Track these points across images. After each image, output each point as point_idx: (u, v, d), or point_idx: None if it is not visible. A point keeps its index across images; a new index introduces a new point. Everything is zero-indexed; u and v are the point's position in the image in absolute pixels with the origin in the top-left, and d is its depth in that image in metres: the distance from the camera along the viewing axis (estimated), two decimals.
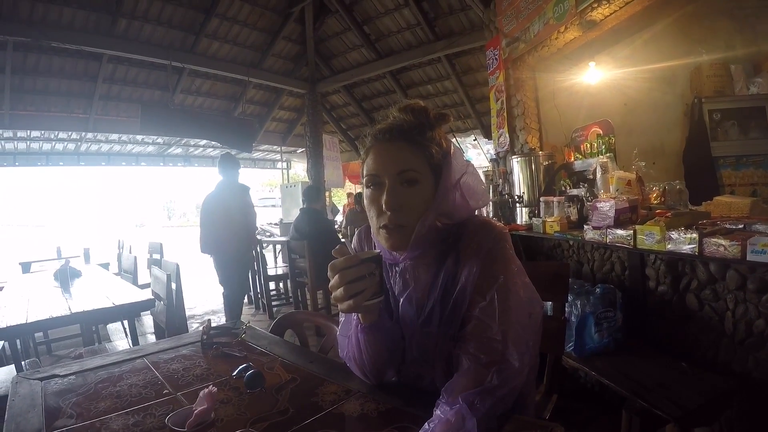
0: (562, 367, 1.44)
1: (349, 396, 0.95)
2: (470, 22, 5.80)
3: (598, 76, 3.91)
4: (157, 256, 4.33)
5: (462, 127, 7.82)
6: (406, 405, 0.87)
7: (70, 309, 2.37)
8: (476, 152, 9.74)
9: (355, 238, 1.07)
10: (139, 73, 6.45)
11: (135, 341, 2.68)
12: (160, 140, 8.84)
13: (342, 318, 1.00)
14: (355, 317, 0.92)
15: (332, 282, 0.80)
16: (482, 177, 4.66)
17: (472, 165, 0.92)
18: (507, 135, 4.17)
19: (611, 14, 2.89)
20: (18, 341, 2.61)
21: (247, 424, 0.85)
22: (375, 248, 0.99)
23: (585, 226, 2.25)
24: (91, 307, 2.44)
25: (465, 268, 0.83)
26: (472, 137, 7.99)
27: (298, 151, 10.44)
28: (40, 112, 6.01)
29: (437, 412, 0.73)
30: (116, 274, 3.86)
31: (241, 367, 1.11)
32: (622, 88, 3.98)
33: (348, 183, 11.63)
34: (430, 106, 0.91)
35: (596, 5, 2.89)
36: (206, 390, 0.75)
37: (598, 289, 2.12)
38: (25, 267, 5.01)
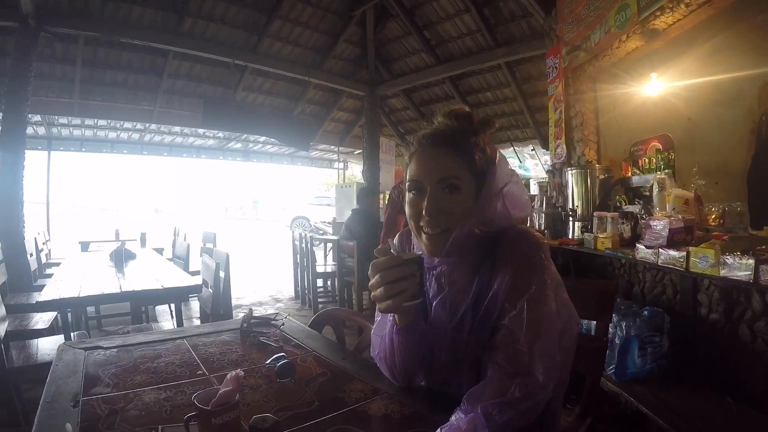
0: (600, 390, 1.37)
1: (375, 395, 0.95)
2: (531, 30, 5.67)
3: (659, 89, 3.70)
4: (210, 245, 4.47)
5: (520, 136, 7.65)
6: (430, 410, 0.86)
7: (120, 287, 2.52)
8: (534, 162, 9.48)
9: (396, 239, 1.07)
10: (202, 69, 6.74)
11: (180, 323, 2.81)
12: (220, 134, 9.18)
13: (378, 317, 1.00)
14: (390, 318, 0.91)
15: (373, 281, 0.80)
16: (537, 188, 4.55)
17: (517, 174, 0.90)
18: (564, 146, 4.04)
19: (674, 23, 2.74)
20: (70, 314, 2.82)
21: (271, 411, 0.87)
22: (415, 251, 0.99)
23: (637, 245, 2.14)
24: (140, 288, 2.58)
25: (499, 276, 0.82)
26: (530, 147, 7.81)
27: (355, 153, 10.57)
28: (108, 103, 6.40)
29: (452, 418, 0.72)
30: (169, 260, 4.05)
31: (274, 356, 1.14)
32: (684, 102, 3.75)
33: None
34: (475, 112, 0.90)
35: (659, 13, 2.75)
36: (233, 373, 0.77)
37: (645, 312, 2.01)
38: (84, 246, 5.38)
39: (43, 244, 5.23)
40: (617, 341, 1.92)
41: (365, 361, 1.16)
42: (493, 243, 0.86)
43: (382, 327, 0.96)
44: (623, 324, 1.94)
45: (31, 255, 3.93)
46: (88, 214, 25.16)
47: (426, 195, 0.83)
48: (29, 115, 5.75)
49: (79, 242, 5.62)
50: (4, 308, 2.07)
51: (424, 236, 0.85)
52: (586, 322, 1.37)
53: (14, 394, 1.91)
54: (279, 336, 1.41)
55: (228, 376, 0.76)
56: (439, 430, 0.71)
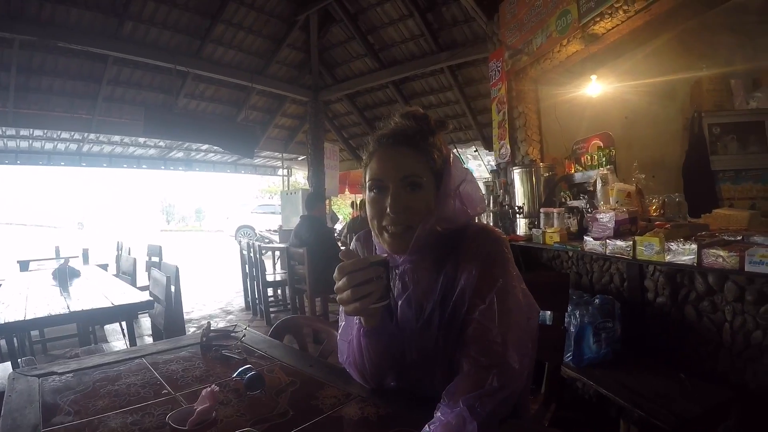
0: (560, 377, 1.44)
1: (349, 400, 0.95)
2: (473, 34, 5.85)
3: (599, 89, 3.94)
4: (156, 259, 4.32)
5: (463, 138, 7.84)
6: (406, 409, 0.87)
7: (68, 307, 2.37)
8: (477, 163, 9.76)
9: (353, 242, 1.08)
10: (143, 75, 6.47)
11: (133, 342, 2.68)
12: (162, 143, 8.85)
13: (342, 323, 1.00)
14: (357, 321, 0.92)
15: (339, 284, 0.81)
16: (483, 188, 4.70)
17: (471, 173, 0.93)
18: (508, 146, 4.19)
19: (613, 28, 2.92)
20: (15, 339, 2.61)
21: (247, 425, 0.85)
22: (375, 252, 1.00)
23: (585, 237, 2.26)
24: (89, 307, 2.43)
25: (464, 272, 0.84)
26: (473, 148, 8.02)
27: (299, 159, 10.45)
28: (44, 112, 6.00)
29: (438, 414, 0.73)
30: (115, 276, 3.85)
31: (241, 368, 1.11)
32: (623, 102, 4.01)
33: (347, 192, 11.65)
34: (429, 113, 0.93)
35: (598, 19, 2.93)
36: (208, 389, 0.75)
37: (597, 300, 2.13)
38: (23, 265, 5.00)
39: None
40: (572, 329, 2.02)
41: (333, 366, 1.16)
42: (455, 240, 0.89)
43: (348, 332, 0.96)
44: (577, 313, 2.04)
45: None
46: (25, 232, 23.41)
47: (388, 193, 0.85)
48: None
49: (18, 261, 5.22)
50: None
51: (386, 235, 0.87)
52: (548, 313, 1.43)
53: None
54: (241, 348, 1.39)
55: (203, 393, 0.75)
56: (426, 427, 0.72)
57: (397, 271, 0.94)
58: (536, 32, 3.61)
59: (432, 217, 0.85)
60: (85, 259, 5.24)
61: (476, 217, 0.95)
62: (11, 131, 6.89)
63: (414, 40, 6.57)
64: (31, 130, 6.89)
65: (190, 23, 6.00)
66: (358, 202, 8.65)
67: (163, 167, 10.29)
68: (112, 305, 2.45)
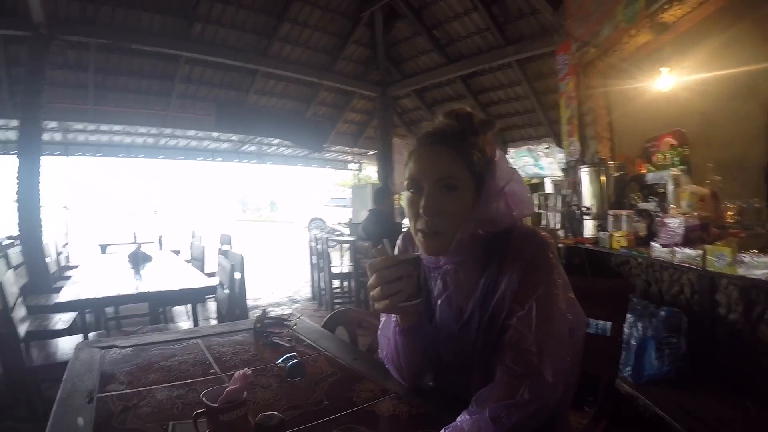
0: (615, 392, 1.35)
1: (384, 396, 0.95)
2: (540, 26, 5.61)
3: (671, 83, 3.63)
4: (226, 247, 4.50)
5: (534, 134, 7.56)
6: (438, 411, 0.85)
7: (137, 288, 2.57)
8: (549, 161, 9.34)
9: (400, 239, 1.07)
10: (214, 74, 6.79)
11: (196, 324, 2.85)
12: (234, 137, 9.22)
13: (383, 318, 1.00)
14: (393, 319, 0.92)
15: (370, 281, 0.81)
16: (550, 187, 4.52)
17: (518, 173, 0.89)
18: (578, 143, 4.00)
19: (684, 15, 2.70)
20: (90, 315, 2.88)
21: (281, 410, 0.88)
22: (417, 251, 0.99)
23: (652, 243, 2.10)
24: (156, 289, 2.63)
25: (506, 276, 0.81)
26: (545, 145, 7.72)
27: (369, 153, 10.53)
28: (122, 108, 6.47)
29: (458, 419, 0.72)
30: (187, 262, 4.10)
31: (285, 356, 1.14)
32: (698, 96, 3.67)
33: None
34: (476, 112, 0.89)
35: (667, 6, 2.70)
36: (241, 372, 0.78)
37: (662, 312, 1.98)
38: (103, 249, 5.50)
39: (63, 246, 5.35)
40: (633, 342, 1.89)
41: (376, 361, 1.16)
42: (499, 243, 0.85)
43: (388, 328, 0.96)
44: (639, 325, 1.91)
45: (50, 258, 4.03)
46: (108, 217, 25.60)
47: (424, 194, 0.83)
48: (46, 122, 5.87)
49: (99, 245, 5.76)
50: (24, 309, 2.13)
51: (420, 236, 0.85)
52: (601, 322, 1.35)
53: (34, 392, 1.96)
54: (292, 336, 1.42)
55: (236, 375, 0.77)
56: (443, 430, 0.71)
57: (439, 270, 0.91)
58: (603, 22, 3.41)
59: (472, 220, 0.82)
60: (160, 244, 5.67)
61: (523, 219, 0.91)
62: (92, 126, 7.51)
63: (480, 34, 6.40)
64: (111, 125, 7.46)
65: (256, 23, 6.22)
66: None
67: (236, 160, 10.70)
68: (177, 289, 2.63)
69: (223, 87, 7.00)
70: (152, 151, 9.36)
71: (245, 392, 0.77)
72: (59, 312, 2.71)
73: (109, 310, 3.75)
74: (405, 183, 0.87)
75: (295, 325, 1.53)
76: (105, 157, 9.13)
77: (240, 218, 29.55)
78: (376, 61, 7.57)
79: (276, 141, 9.48)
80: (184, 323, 3.46)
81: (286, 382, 1.04)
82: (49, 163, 5.01)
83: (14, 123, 5.07)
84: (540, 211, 4.18)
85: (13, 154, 4.46)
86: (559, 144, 6.83)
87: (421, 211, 0.82)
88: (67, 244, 6.04)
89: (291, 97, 7.78)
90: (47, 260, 3.93)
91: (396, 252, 1.04)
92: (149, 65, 6.17)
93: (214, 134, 8.60)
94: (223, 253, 3.86)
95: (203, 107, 6.91)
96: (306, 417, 0.86)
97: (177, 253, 4.92)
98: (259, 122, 6.61)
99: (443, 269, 0.90)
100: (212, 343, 1.38)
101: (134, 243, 5.34)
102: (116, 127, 7.73)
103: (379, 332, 1.03)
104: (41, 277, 3.64)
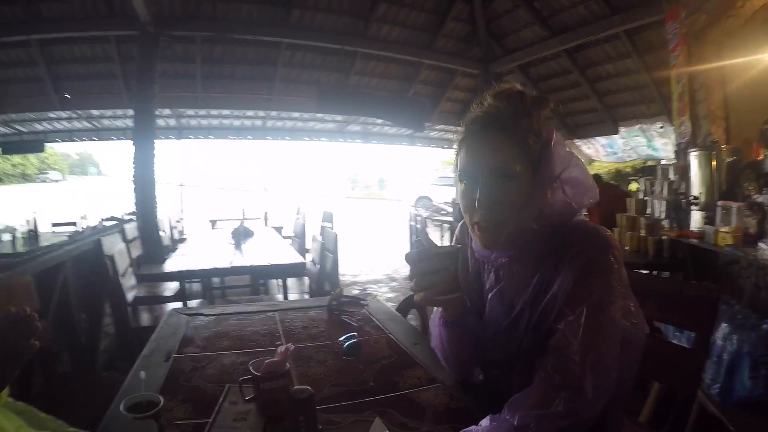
0: (691, 410, 1.20)
1: (430, 385, 0.95)
2: None
3: None
4: (328, 224, 4.63)
5: (647, 112, 6.81)
6: (479, 407, 0.83)
7: (231, 262, 2.83)
8: (663, 141, 8.33)
9: (457, 230, 1.05)
10: (315, 57, 7.06)
11: (285, 297, 3.08)
12: (339, 118, 9.46)
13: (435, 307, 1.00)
14: (439, 310, 0.90)
15: (409, 272, 0.80)
16: (659, 172, 4.04)
17: (577, 157, 0.81)
18: (689, 123, 3.55)
19: None
20: (200, 284, 3.20)
21: (327, 386, 0.93)
22: (471, 245, 0.96)
23: (760, 243, 1.80)
24: (249, 263, 2.88)
25: (560, 276, 0.75)
26: (659, 124, 6.89)
27: None
28: (228, 94, 7.06)
29: (480, 423, 0.70)
30: (287, 238, 4.36)
31: (347, 335, 1.19)
32: None
33: None
34: (527, 90, 0.82)
35: None
36: (284, 347, 0.84)
37: (765, 326, 1.69)
38: (213, 224, 6.16)
39: (177, 222, 6.07)
40: (725, 357, 1.64)
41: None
42: (558, 239, 0.79)
43: (436, 318, 0.95)
44: (735, 338, 1.65)
45: (164, 232, 4.59)
46: (220, 195, 28.27)
47: (478, 185, 0.78)
48: (160, 109, 6.70)
49: (210, 220, 6.46)
50: (134, 278, 2.47)
51: (477, 229, 0.81)
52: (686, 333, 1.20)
53: (137, 349, 2.28)
54: (363, 316, 1.47)
55: (278, 349, 0.83)
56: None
57: (493, 263, 0.87)
58: None
59: (526, 212, 0.77)
60: (265, 221, 6.18)
61: (583, 210, 0.82)
62: (203, 112, 8.29)
63: (584, 4, 5.87)
64: (220, 110, 8.20)
65: (352, 5, 6.31)
66: None
67: (341, 140, 11.05)
68: (266, 264, 2.85)
69: (325, 70, 7.24)
70: (260, 132, 10.05)
71: (287, 365, 0.82)
72: (162, 281, 3.05)
73: (216, 280, 4.15)
74: (457, 174, 0.84)
75: (368, 305, 1.59)
76: (216, 140, 10.10)
77: (349, 195, 30.58)
78: (476, 37, 7.29)
79: (380, 120, 9.65)
80: (279, 296, 3.73)
81: (341, 360, 1.09)
82: (164, 147, 5.72)
83: (130, 113, 5.77)
84: (645, 198, 3.78)
85: (130, 139, 5.14)
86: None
87: (476, 204, 0.77)
88: (181, 219, 6.84)
89: (392, 77, 7.77)
90: (161, 234, 4.48)
91: (454, 242, 1.02)
92: (252, 53, 6.62)
93: (318, 115, 8.88)
94: (322, 231, 4.04)
95: (306, 90, 7.20)
96: (348, 395, 0.90)
97: (279, 229, 5.29)
98: (360, 103, 6.78)
99: (496, 263, 0.86)
100: (287, 317, 1.49)
101: (242, 219, 5.91)
102: (225, 112, 8.44)
103: (430, 321, 1.02)
104: (154, 249, 4.15)
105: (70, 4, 5.34)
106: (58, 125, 8.31)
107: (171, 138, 9.13)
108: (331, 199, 21.61)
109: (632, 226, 3.32)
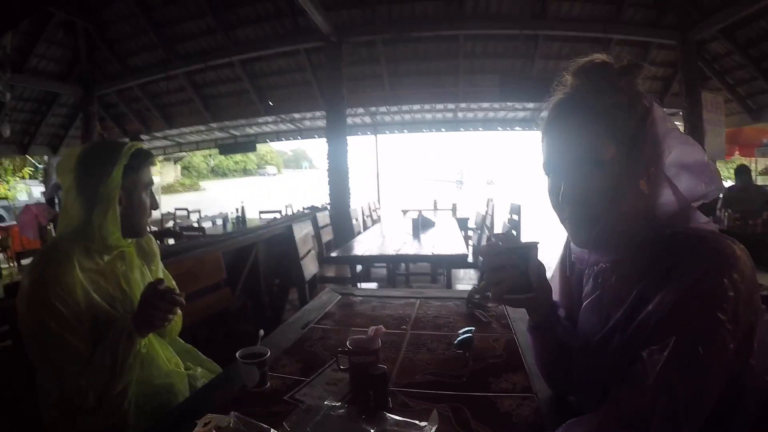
0: None
1: (521, 393, 0.89)
2: None
3: None
4: (515, 217, 4.50)
5: None
6: (556, 424, 0.75)
7: (398, 251, 3.05)
8: None
9: None
10: (496, 46, 6.95)
11: (448, 286, 3.17)
12: (530, 105, 9.04)
13: None
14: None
15: (479, 267, 0.77)
16: None
17: (684, 135, 0.64)
18: None
19: None
20: (386, 270, 3.50)
21: (422, 372, 0.97)
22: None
23: None
24: (413, 252, 3.05)
25: (660, 295, 0.60)
26: None
27: (679, 114, 8.73)
28: (415, 90, 7.50)
29: None
30: (471, 229, 4.42)
31: (466, 328, 1.19)
32: None
33: (737, 154, 8.96)
34: (613, 59, 0.68)
35: None
36: (375, 327, 0.92)
37: None
38: (404, 214, 6.70)
39: (372, 211, 6.77)
40: None
41: None
42: (666, 247, 0.62)
43: None
44: None
45: (356, 220, 5.16)
46: (416, 186, 30.05)
47: (563, 178, 0.68)
48: (354, 108, 7.60)
49: (402, 210, 7.04)
50: (316, 262, 2.89)
51: (567, 225, 0.71)
52: None
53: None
54: (498, 313, 1.44)
55: (369, 330, 0.93)
56: None
57: (594, 267, 0.76)
58: None
59: (615, 207, 0.64)
60: (454, 212, 6.43)
61: (696, 204, 0.64)
62: (394, 108, 8.93)
63: None
64: (410, 105, 8.69)
65: None
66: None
67: (535, 128, 10.73)
68: (430, 254, 2.98)
69: (507, 57, 7.04)
70: (451, 124, 10.32)
71: (378, 344, 0.91)
72: (336, 263, 3.43)
73: (403, 267, 4.30)
74: (542, 167, 0.75)
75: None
76: (410, 133, 10.78)
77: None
78: (669, 0, 5.98)
79: None
80: (461, 285, 3.75)
81: (451, 351, 1.11)
82: (361, 142, 6.46)
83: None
84: None
85: (316, 137, 6.04)
86: None
87: (560, 199, 0.69)
88: (377, 209, 7.58)
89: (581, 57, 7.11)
90: (353, 222, 5.07)
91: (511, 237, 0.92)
92: (433, 48, 6.85)
93: (509, 104, 8.67)
94: (514, 223, 3.96)
95: (491, 80, 7.13)
96: (435, 384, 0.92)
97: (465, 221, 5.41)
98: (545, 89, 6.35)
99: (596, 268, 0.74)
100: (426, 305, 1.56)
101: (434, 209, 6.22)
102: (415, 106, 8.95)
103: None
104: (345, 235, 4.71)
105: (262, 27, 6.64)
106: (266, 128, 10.26)
107: (367, 134, 10.21)
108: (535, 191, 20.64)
109: None
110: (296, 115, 8.93)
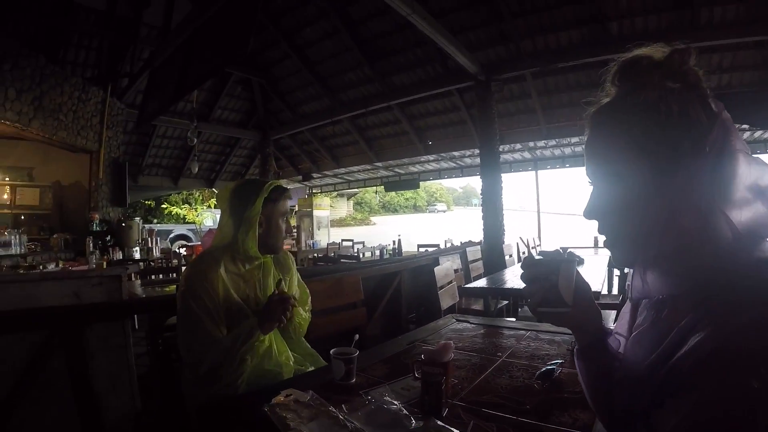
0: None
1: (578, 429, 0.88)
2: None
3: None
4: None
5: None
6: None
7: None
8: None
9: None
10: None
11: None
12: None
13: None
14: None
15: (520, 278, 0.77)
16: None
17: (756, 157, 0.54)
18: None
19: None
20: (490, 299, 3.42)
21: (487, 394, 1.04)
22: None
23: None
24: None
25: (698, 336, 0.50)
26: None
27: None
28: (572, 121, 7.02)
29: None
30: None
31: (555, 361, 1.21)
32: None
33: None
34: (656, 50, 0.59)
35: None
36: (443, 342, 1.04)
37: None
38: (564, 251, 6.30)
39: (532, 248, 6.49)
40: None
41: None
42: (721, 284, 0.53)
43: None
44: None
45: (510, 255, 5.06)
46: (577, 222, 27.19)
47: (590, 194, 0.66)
48: (511, 144, 7.61)
49: (560, 247, 6.59)
50: (457, 294, 2.93)
51: (605, 244, 0.68)
52: None
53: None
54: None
55: (440, 344, 1.05)
56: None
57: (653, 298, 0.66)
58: None
59: (661, 227, 0.56)
60: (595, 248, 5.87)
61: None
62: (553, 142, 8.39)
63: None
64: (569, 138, 8.05)
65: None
66: None
67: None
68: None
69: None
70: None
71: (449, 356, 1.02)
72: (467, 295, 3.38)
73: None
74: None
75: None
76: (572, 167, 9.99)
77: None
78: None
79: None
80: None
81: (529, 381, 1.13)
82: (520, 178, 6.33)
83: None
84: None
85: (477, 175, 6.03)
86: None
87: (583, 214, 0.66)
88: (538, 245, 7.23)
89: (742, 66, 5.68)
90: (506, 257, 4.98)
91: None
92: (584, 77, 6.41)
93: None
94: None
95: None
96: (497, 407, 0.97)
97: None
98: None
99: (651, 299, 0.66)
100: (534, 336, 1.58)
101: (594, 247, 5.74)
102: (574, 139, 8.30)
103: None
104: (495, 269, 4.67)
105: (415, 72, 7.21)
106: (428, 166, 10.77)
107: (528, 170, 9.86)
108: None
109: None
110: (455, 153, 9.26)
